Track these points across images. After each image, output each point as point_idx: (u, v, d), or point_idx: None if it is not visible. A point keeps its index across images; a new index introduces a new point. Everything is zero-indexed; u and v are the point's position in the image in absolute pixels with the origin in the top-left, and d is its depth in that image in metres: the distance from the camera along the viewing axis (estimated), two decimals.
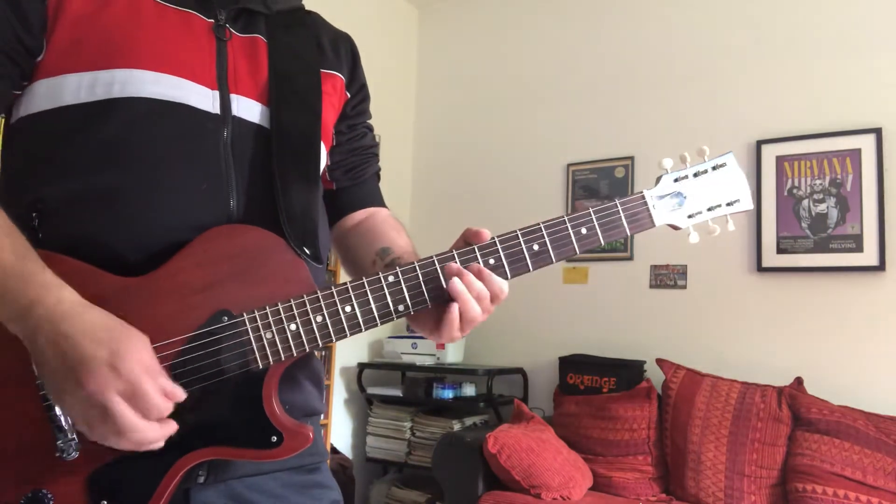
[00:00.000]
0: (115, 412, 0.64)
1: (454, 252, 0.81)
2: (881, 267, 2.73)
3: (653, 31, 3.37)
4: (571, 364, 3.15)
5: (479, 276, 0.80)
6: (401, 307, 0.79)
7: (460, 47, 4.03)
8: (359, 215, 1.05)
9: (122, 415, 0.65)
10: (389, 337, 3.56)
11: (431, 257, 0.81)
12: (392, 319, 0.79)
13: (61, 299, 0.67)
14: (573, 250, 0.84)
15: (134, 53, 0.81)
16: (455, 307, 0.79)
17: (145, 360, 0.67)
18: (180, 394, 0.69)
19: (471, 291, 0.79)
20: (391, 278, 0.79)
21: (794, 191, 2.93)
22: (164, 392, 0.67)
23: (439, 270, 0.80)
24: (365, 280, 0.79)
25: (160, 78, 0.81)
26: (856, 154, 2.82)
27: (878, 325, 2.73)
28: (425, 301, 0.80)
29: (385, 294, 0.79)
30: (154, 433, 0.67)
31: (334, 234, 1.07)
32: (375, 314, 0.79)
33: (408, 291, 0.79)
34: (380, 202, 1.08)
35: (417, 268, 0.80)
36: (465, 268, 0.80)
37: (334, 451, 3.28)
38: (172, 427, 0.69)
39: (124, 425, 0.65)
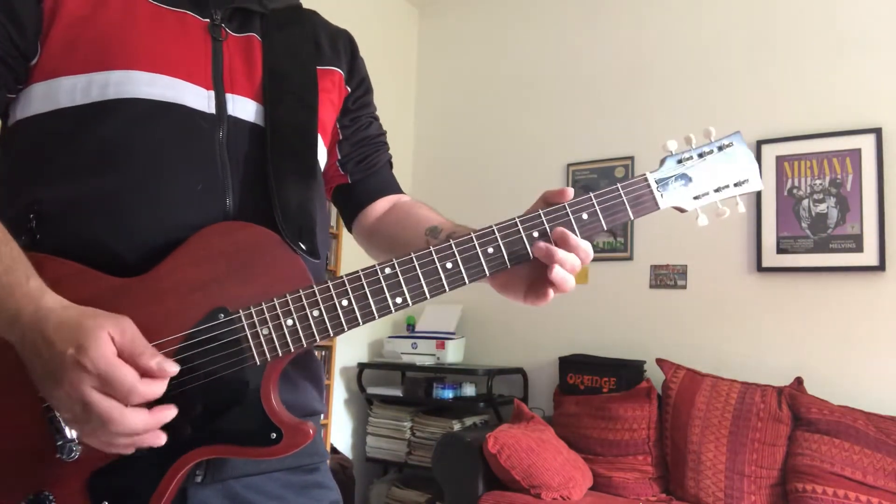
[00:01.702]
0: (93, 405, 0.64)
1: (451, 242, 0.80)
2: (881, 267, 2.73)
3: (653, 31, 3.38)
4: (571, 364, 3.15)
5: (562, 245, 0.80)
6: (398, 300, 0.78)
7: (460, 47, 4.03)
8: (382, 204, 1.05)
9: (98, 406, 0.64)
10: (389, 337, 3.56)
11: (430, 250, 0.80)
12: (390, 312, 0.78)
13: (41, 307, 0.67)
14: None
15: (129, 55, 0.81)
16: (551, 291, 0.81)
17: (123, 345, 0.66)
18: (169, 368, 0.68)
19: (565, 266, 0.79)
20: (388, 270, 0.78)
21: (794, 191, 2.93)
22: (149, 371, 0.66)
23: (438, 265, 0.79)
24: (361, 273, 0.78)
25: (155, 79, 0.81)
26: (856, 154, 2.82)
27: (878, 325, 2.72)
28: (423, 294, 0.79)
29: (382, 287, 0.78)
30: (140, 419, 0.66)
31: (360, 228, 1.06)
32: (373, 308, 0.78)
33: (405, 284, 0.78)
34: (398, 189, 1.08)
35: (414, 259, 0.79)
36: (462, 261, 0.79)
37: (334, 451, 3.27)
38: (167, 413, 0.68)
39: (104, 415, 0.64)
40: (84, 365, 0.64)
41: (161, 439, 0.69)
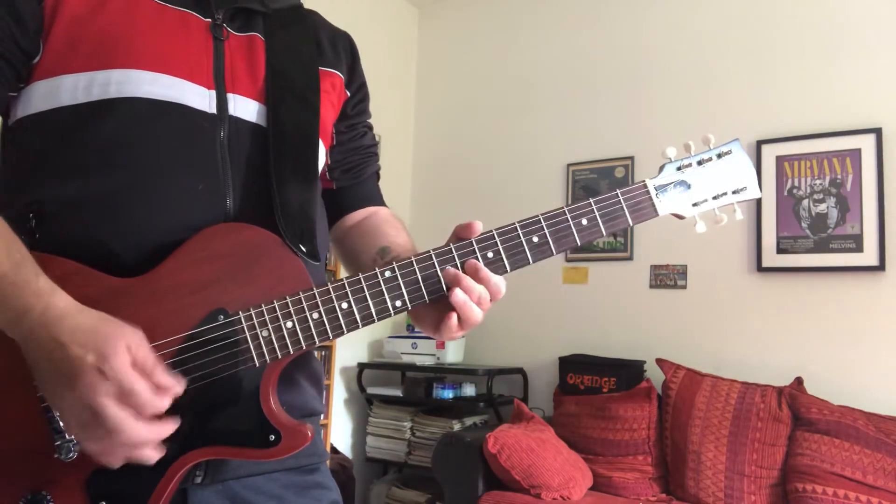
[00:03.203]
0: (105, 413, 0.64)
1: (451, 246, 0.81)
2: (881, 267, 2.73)
3: (653, 31, 3.37)
4: (571, 364, 3.15)
5: (475, 275, 0.79)
6: (398, 303, 0.78)
7: (460, 47, 4.03)
8: (358, 215, 1.05)
9: (112, 415, 0.64)
10: (389, 337, 3.56)
11: (429, 252, 0.80)
12: (389, 316, 0.79)
13: (51, 305, 0.67)
14: (574, 241, 0.83)
15: (131, 53, 0.80)
16: (454, 316, 0.79)
17: (137, 358, 0.66)
18: (178, 386, 0.68)
19: (471, 296, 0.78)
20: (388, 274, 0.79)
21: (794, 191, 2.93)
22: (160, 387, 0.67)
23: (437, 268, 0.80)
24: (361, 276, 0.78)
25: (157, 78, 0.81)
26: (856, 154, 2.81)
27: (878, 325, 2.72)
28: (423, 297, 0.79)
29: (382, 290, 0.78)
30: (147, 431, 0.66)
31: (335, 233, 1.06)
32: (372, 311, 0.78)
33: (405, 287, 0.79)
34: (380, 201, 1.08)
35: (415, 263, 0.79)
36: (462, 264, 0.80)
37: (334, 451, 3.27)
38: (170, 426, 0.69)
39: (115, 424, 0.64)
40: (105, 372, 0.64)
41: (155, 457, 0.69)
